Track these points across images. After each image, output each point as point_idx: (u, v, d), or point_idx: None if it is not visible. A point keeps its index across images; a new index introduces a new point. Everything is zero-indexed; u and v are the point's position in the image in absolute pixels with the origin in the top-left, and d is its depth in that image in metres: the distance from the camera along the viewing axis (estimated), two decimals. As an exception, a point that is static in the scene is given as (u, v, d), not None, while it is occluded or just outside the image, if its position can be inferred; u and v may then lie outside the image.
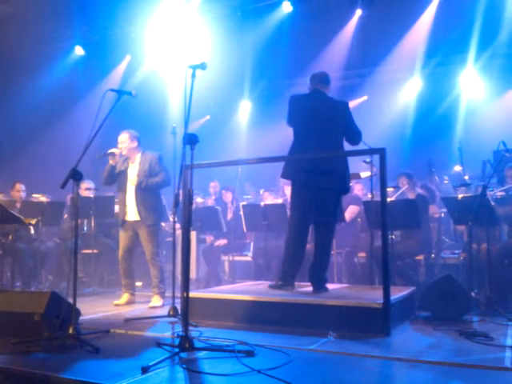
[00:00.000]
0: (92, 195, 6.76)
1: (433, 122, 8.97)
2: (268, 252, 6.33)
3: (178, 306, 4.30)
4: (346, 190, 4.64)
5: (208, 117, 11.07)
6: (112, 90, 3.88)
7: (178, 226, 5.77)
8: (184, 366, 2.83)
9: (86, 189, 6.79)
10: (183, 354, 3.00)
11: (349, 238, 6.32)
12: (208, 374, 2.67)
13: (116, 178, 5.41)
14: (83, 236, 6.65)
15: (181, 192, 3.99)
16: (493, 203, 5.03)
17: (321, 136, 4.42)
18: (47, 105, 8.73)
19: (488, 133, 7.39)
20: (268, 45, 8.99)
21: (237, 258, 7.01)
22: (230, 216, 7.23)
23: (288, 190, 5.98)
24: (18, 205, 6.62)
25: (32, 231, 6.62)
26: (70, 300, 3.47)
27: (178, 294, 4.49)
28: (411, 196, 5.80)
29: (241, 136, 10.84)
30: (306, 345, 3.30)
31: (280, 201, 6.91)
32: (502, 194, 5.52)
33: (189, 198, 3.24)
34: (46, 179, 7.25)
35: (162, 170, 5.31)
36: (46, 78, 8.95)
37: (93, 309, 4.89)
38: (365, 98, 10.00)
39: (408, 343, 3.47)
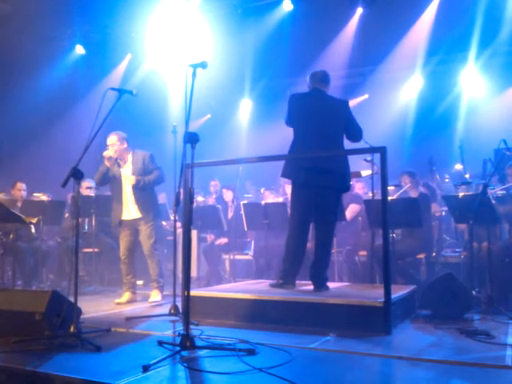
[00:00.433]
0: (93, 194, 6.76)
1: (434, 120, 8.97)
2: (269, 251, 6.33)
3: (179, 305, 4.30)
4: (346, 188, 4.64)
5: (209, 115, 11.07)
6: (113, 89, 3.88)
7: (178, 224, 5.77)
8: (185, 364, 2.83)
9: (87, 188, 6.79)
10: (184, 353, 3.01)
11: (350, 237, 6.32)
12: (209, 372, 2.67)
13: (109, 180, 5.45)
14: (84, 235, 6.65)
15: (181, 191, 3.98)
16: (494, 202, 5.02)
17: (321, 135, 4.42)
18: (48, 104, 8.73)
19: (489, 131, 7.38)
20: (269, 43, 8.97)
21: (237, 257, 7.01)
22: (230, 215, 7.23)
23: (289, 189, 5.98)
24: (19, 204, 6.62)
25: (33, 230, 6.62)
26: (71, 299, 3.47)
27: (178, 292, 4.50)
28: (414, 194, 5.79)
29: (241, 135, 10.84)
30: (307, 343, 3.30)
31: (281, 199, 6.91)
32: (503, 192, 5.51)
33: (189, 197, 3.24)
34: (47, 178, 7.24)
35: (155, 167, 5.41)
36: (46, 77, 8.94)
37: (94, 307, 4.89)
38: (366, 96, 9.99)
39: (409, 342, 3.47)
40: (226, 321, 4.05)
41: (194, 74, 3.46)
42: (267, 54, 9.15)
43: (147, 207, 5.38)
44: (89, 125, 3.62)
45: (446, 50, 8.82)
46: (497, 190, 5.54)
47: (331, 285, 4.66)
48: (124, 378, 2.54)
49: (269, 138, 8.91)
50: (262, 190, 7.60)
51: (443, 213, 6.58)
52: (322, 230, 4.58)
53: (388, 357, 3.01)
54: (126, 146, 5.40)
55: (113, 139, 5.33)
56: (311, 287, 4.47)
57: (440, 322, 4.02)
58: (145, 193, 5.38)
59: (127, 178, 5.36)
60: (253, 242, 7.13)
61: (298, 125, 4.52)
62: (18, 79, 8.53)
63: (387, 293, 3.64)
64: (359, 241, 6.34)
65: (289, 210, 5.31)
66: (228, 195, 7.42)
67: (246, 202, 7.15)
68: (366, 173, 5.84)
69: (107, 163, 5.35)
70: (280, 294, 4.15)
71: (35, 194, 7.06)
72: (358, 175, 5.87)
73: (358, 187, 6.95)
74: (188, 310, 3.17)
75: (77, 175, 3.46)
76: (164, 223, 7.76)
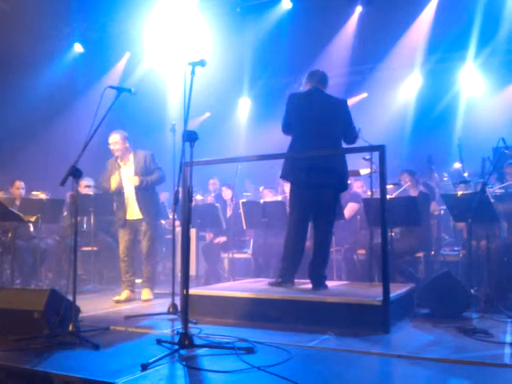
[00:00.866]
0: (91, 193, 6.76)
1: (432, 118, 8.98)
2: (267, 249, 6.33)
3: (178, 303, 4.30)
4: (345, 187, 4.64)
5: (208, 114, 11.06)
6: (111, 87, 3.88)
7: (177, 223, 5.77)
8: (184, 363, 2.83)
9: (86, 186, 6.78)
10: (183, 351, 3.01)
11: (348, 236, 6.32)
12: (208, 370, 2.67)
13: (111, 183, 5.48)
14: (83, 233, 6.64)
15: (180, 189, 3.98)
16: (492, 200, 5.03)
17: (320, 134, 4.42)
18: (46, 102, 8.72)
19: (487, 130, 7.39)
20: (267, 42, 8.96)
21: (236, 256, 7.01)
22: (229, 213, 7.23)
23: (287, 188, 5.97)
24: (18, 202, 6.62)
25: (31, 229, 6.62)
26: (70, 297, 3.47)
27: (177, 291, 4.50)
28: (413, 193, 5.79)
29: (240, 133, 10.83)
30: (305, 342, 3.30)
31: (279, 198, 6.91)
32: (502, 191, 5.52)
33: (188, 196, 3.24)
34: (46, 177, 7.25)
35: (156, 167, 5.43)
36: (45, 76, 8.93)
37: (92, 306, 4.89)
38: (365, 94, 10.00)
39: (407, 340, 3.48)
40: (224, 319, 4.05)
41: (192, 72, 3.46)
42: (266, 52, 9.15)
43: (149, 208, 5.42)
44: (87, 123, 3.61)
45: (444, 48, 8.83)
46: (495, 189, 5.55)
47: (330, 283, 4.66)
48: (122, 377, 2.54)
49: (268, 137, 8.90)
50: (261, 189, 7.60)
51: (442, 211, 6.59)
52: (320, 228, 4.58)
53: (387, 355, 3.02)
54: (127, 145, 5.41)
55: (115, 138, 5.34)
56: (310, 286, 4.47)
57: (439, 320, 4.02)
58: (147, 193, 5.40)
59: (130, 178, 5.37)
60: (251, 241, 7.13)
61: (297, 124, 4.51)
62: (16, 77, 8.52)
63: (386, 291, 3.65)
64: (358, 239, 6.34)
65: (287, 209, 5.31)
66: (227, 193, 7.42)
67: (244, 200, 7.15)
68: (364, 171, 5.84)
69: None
70: (279, 293, 4.16)
71: (33, 193, 7.05)
72: (356, 174, 5.87)
73: (357, 186, 6.95)
74: (187, 308, 3.17)
75: (75, 174, 3.46)
76: (163, 222, 7.75)
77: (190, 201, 3.27)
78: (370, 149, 4.95)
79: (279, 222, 5.95)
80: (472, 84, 9.05)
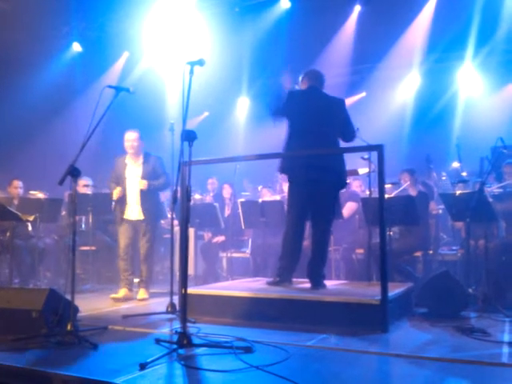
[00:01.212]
0: (90, 192, 6.75)
1: (431, 118, 8.98)
2: (266, 249, 6.33)
3: (176, 303, 4.30)
4: (343, 184, 4.66)
5: (207, 113, 11.05)
6: (110, 87, 3.88)
7: (176, 222, 5.78)
8: (182, 362, 2.83)
9: (84, 186, 6.78)
10: (181, 351, 3.01)
11: (347, 235, 6.33)
12: (206, 370, 2.67)
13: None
14: (81, 233, 6.64)
15: (179, 189, 3.98)
16: (490, 200, 5.04)
17: (318, 132, 4.43)
18: (45, 101, 8.70)
19: (486, 129, 7.40)
20: (266, 41, 8.96)
21: (235, 255, 7.01)
22: (227, 212, 7.23)
23: (286, 187, 5.98)
24: (16, 202, 6.61)
25: (30, 228, 6.61)
26: (68, 297, 3.47)
27: (176, 290, 4.50)
28: (413, 193, 5.80)
29: (239, 133, 10.83)
30: (304, 341, 3.30)
31: (278, 197, 6.91)
32: (500, 190, 5.52)
33: (187, 195, 3.24)
34: (44, 176, 7.22)
35: (163, 172, 5.52)
36: (43, 75, 8.91)
37: (91, 305, 4.89)
38: (363, 94, 10.00)
39: (406, 339, 3.48)
40: (223, 319, 4.05)
41: (191, 72, 3.46)
42: (265, 52, 9.13)
43: (150, 209, 5.50)
44: (86, 122, 3.61)
45: (443, 48, 8.82)
46: (494, 188, 5.55)
47: (328, 283, 4.66)
48: (121, 376, 2.54)
49: (266, 136, 8.90)
50: (260, 188, 7.59)
51: (440, 211, 6.59)
52: (318, 227, 4.59)
53: (385, 354, 3.02)
54: (142, 145, 5.55)
55: (133, 135, 5.48)
56: (308, 285, 4.48)
57: (437, 319, 4.03)
58: (150, 196, 5.51)
59: (140, 181, 5.43)
60: (250, 240, 7.13)
61: (295, 121, 4.51)
62: (14, 77, 8.50)
63: (384, 291, 3.65)
64: (356, 239, 6.35)
65: (286, 208, 5.31)
66: (227, 191, 7.42)
67: (243, 200, 7.14)
68: (363, 171, 5.84)
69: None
70: (277, 292, 4.16)
71: (31, 192, 7.04)
72: (354, 173, 5.88)
73: (356, 185, 6.95)
74: (185, 307, 3.17)
75: (74, 173, 3.46)
76: (162, 221, 7.74)
77: (189, 200, 3.27)
78: (369, 148, 4.95)
79: (278, 222, 5.95)
80: (470, 84, 9.06)
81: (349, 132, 4.63)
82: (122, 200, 5.48)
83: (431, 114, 9.00)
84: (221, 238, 7.06)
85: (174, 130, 4.83)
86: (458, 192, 5.18)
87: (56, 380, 2.60)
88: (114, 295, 5.33)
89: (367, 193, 5.78)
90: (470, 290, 4.52)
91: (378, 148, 3.80)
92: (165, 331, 3.73)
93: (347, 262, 6.24)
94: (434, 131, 8.70)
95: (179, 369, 2.74)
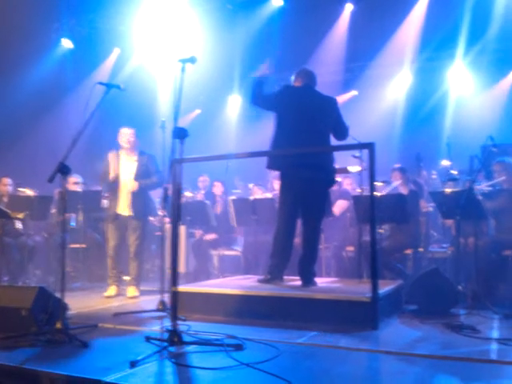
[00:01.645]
0: (80, 189, 6.71)
1: (422, 116, 9.03)
2: (257, 247, 6.33)
3: (167, 301, 4.29)
4: (332, 181, 4.67)
5: (199, 111, 11.03)
6: (101, 84, 3.85)
7: (167, 220, 5.76)
8: (173, 360, 2.83)
9: (74, 183, 6.74)
10: (172, 348, 3.00)
11: (338, 233, 6.34)
12: (197, 367, 2.67)
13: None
14: (71, 231, 6.60)
15: (170, 186, 3.97)
16: (480, 198, 5.07)
17: (309, 129, 4.44)
18: (35, 98, 8.63)
19: (476, 128, 7.44)
20: (258, 39, 8.96)
21: (226, 253, 7.00)
22: (219, 210, 7.22)
23: (277, 185, 5.98)
24: (5, 199, 6.55)
25: (19, 226, 6.56)
26: (58, 295, 3.44)
27: (166, 288, 4.49)
28: (404, 191, 5.82)
29: (230, 130, 10.82)
30: (294, 338, 3.31)
31: (269, 195, 6.91)
32: (490, 188, 5.56)
33: (178, 193, 3.23)
34: (34, 173, 7.17)
35: (156, 171, 5.52)
36: (33, 72, 8.84)
37: (81, 303, 4.87)
38: (354, 92, 10.02)
39: (396, 336, 3.50)
40: (213, 316, 4.05)
41: (183, 69, 3.44)
42: (257, 49, 9.12)
43: (141, 207, 5.50)
44: (76, 120, 3.59)
45: (434, 46, 8.87)
46: (483, 186, 5.58)
47: (319, 280, 4.68)
48: (111, 374, 2.53)
49: (258, 134, 8.90)
50: (251, 186, 7.58)
51: (430, 209, 6.62)
52: (309, 225, 4.60)
53: (375, 351, 3.04)
54: (137, 142, 5.57)
55: (130, 131, 5.50)
56: (299, 282, 4.49)
57: (426, 316, 4.05)
58: (141, 193, 5.50)
59: (127, 176, 5.42)
60: (241, 238, 7.12)
61: (287, 117, 4.51)
62: (4, 74, 8.42)
63: (374, 288, 3.66)
64: (347, 236, 6.36)
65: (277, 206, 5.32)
66: (218, 189, 7.40)
67: (234, 197, 7.14)
68: (354, 169, 5.85)
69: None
70: (268, 290, 4.16)
71: (21, 190, 6.98)
72: (345, 171, 5.88)
73: (347, 183, 6.96)
74: (176, 305, 3.17)
75: (64, 170, 3.43)
76: (152, 218, 7.72)
77: (180, 198, 3.26)
78: (360, 146, 4.95)
79: (269, 219, 5.95)
80: (461, 82, 9.11)
81: (341, 131, 4.65)
82: (115, 195, 5.45)
83: (422, 113, 9.05)
84: (212, 236, 7.04)
85: (165, 127, 4.81)
86: (448, 190, 5.20)
87: (45, 378, 2.58)
88: (107, 293, 5.36)
89: (358, 191, 5.80)
90: (460, 288, 4.55)
91: (369, 146, 3.82)
92: (155, 329, 3.71)
93: (338, 259, 6.25)
94: (425, 129, 8.75)
95: (170, 366, 2.74)
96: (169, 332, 3.06)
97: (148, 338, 3.25)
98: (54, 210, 7.05)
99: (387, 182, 6.01)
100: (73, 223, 6.73)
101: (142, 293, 5.50)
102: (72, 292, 5.60)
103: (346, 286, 4.59)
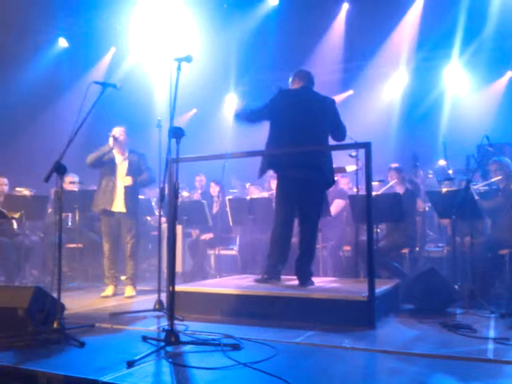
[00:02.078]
0: (76, 189, 6.69)
1: (418, 116, 9.05)
2: (254, 246, 6.33)
3: (164, 300, 4.29)
4: (330, 183, 4.67)
5: (195, 110, 11.02)
6: (96, 83, 3.84)
7: (163, 219, 5.76)
8: (170, 359, 2.82)
9: (70, 182, 6.73)
10: (169, 348, 3.00)
11: (334, 232, 6.35)
12: (194, 367, 2.67)
13: (102, 165, 5.50)
14: (67, 230, 6.59)
15: (166, 186, 3.96)
16: (476, 197, 5.09)
17: (306, 130, 4.43)
18: (31, 97, 8.61)
19: (472, 127, 7.47)
20: (254, 38, 8.95)
21: (223, 252, 7.00)
22: (215, 209, 7.21)
23: (274, 184, 5.98)
24: (1, 199, 6.53)
25: (15, 225, 6.53)
26: (55, 294, 3.44)
27: (163, 287, 4.49)
28: (400, 190, 5.83)
29: (227, 130, 10.80)
30: (291, 338, 3.31)
31: (266, 195, 6.91)
32: (486, 188, 5.58)
33: (174, 192, 3.22)
34: (30, 173, 7.15)
35: (147, 168, 5.58)
36: (29, 71, 8.81)
37: (77, 303, 4.86)
38: (351, 92, 10.03)
39: (393, 336, 3.51)
40: (211, 316, 4.05)
41: (178, 68, 3.44)
42: (253, 48, 9.14)
43: (133, 204, 5.51)
44: (72, 119, 3.58)
45: (430, 46, 8.90)
46: (479, 186, 5.61)
47: (316, 279, 4.68)
48: (108, 374, 2.53)
49: (254, 133, 8.89)
50: (248, 185, 7.58)
51: (427, 208, 6.64)
52: (306, 224, 4.60)
53: (372, 351, 3.04)
54: (127, 140, 5.57)
55: (121, 130, 5.52)
56: (296, 282, 4.48)
57: (423, 316, 4.06)
58: (133, 191, 5.53)
59: (120, 174, 5.44)
60: (238, 238, 7.12)
61: (286, 119, 4.50)
62: (0, 72, 8.40)
63: (371, 287, 3.67)
64: (344, 236, 6.38)
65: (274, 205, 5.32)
66: (215, 189, 7.39)
67: (231, 197, 7.13)
68: (350, 168, 5.86)
69: (111, 143, 5.42)
70: (265, 289, 4.16)
71: (17, 189, 6.96)
72: (342, 170, 5.90)
73: (343, 182, 6.97)
74: (173, 305, 3.16)
75: (60, 170, 3.42)
76: (149, 218, 7.71)
77: (177, 197, 3.25)
78: (356, 146, 4.96)
79: (266, 219, 5.95)
80: (457, 82, 9.14)
81: (340, 132, 4.64)
82: (105, 192, 5.45)
83: (418, 112, 9.07)
84: (209, 236, 7.04)
85: (161, 126, 4.80)
86: (444, 190, 5.22)
87: (42, 378, 2.57)
88: (104, 294, 5.35)
89: (355, 190, 5.81)
90: (456, 287, 4.57)
91: (366, 146, 3.82)
92: (152, 329, 3.71)
93: (335, 259, 6.26)
94: (421, 129, 8.77)
95: (167, 366, 2.74)
96: (166, 332, 3.06)
97: (145, 338, 3.24)
98: (50, 210, 7.03)
99: (383, 182, 6.02)
100: (69, 223, 6.71)
101: (139, 292, 5.49)
102: (68, 292, 5.59)
103: (343, 285, 4.59)
